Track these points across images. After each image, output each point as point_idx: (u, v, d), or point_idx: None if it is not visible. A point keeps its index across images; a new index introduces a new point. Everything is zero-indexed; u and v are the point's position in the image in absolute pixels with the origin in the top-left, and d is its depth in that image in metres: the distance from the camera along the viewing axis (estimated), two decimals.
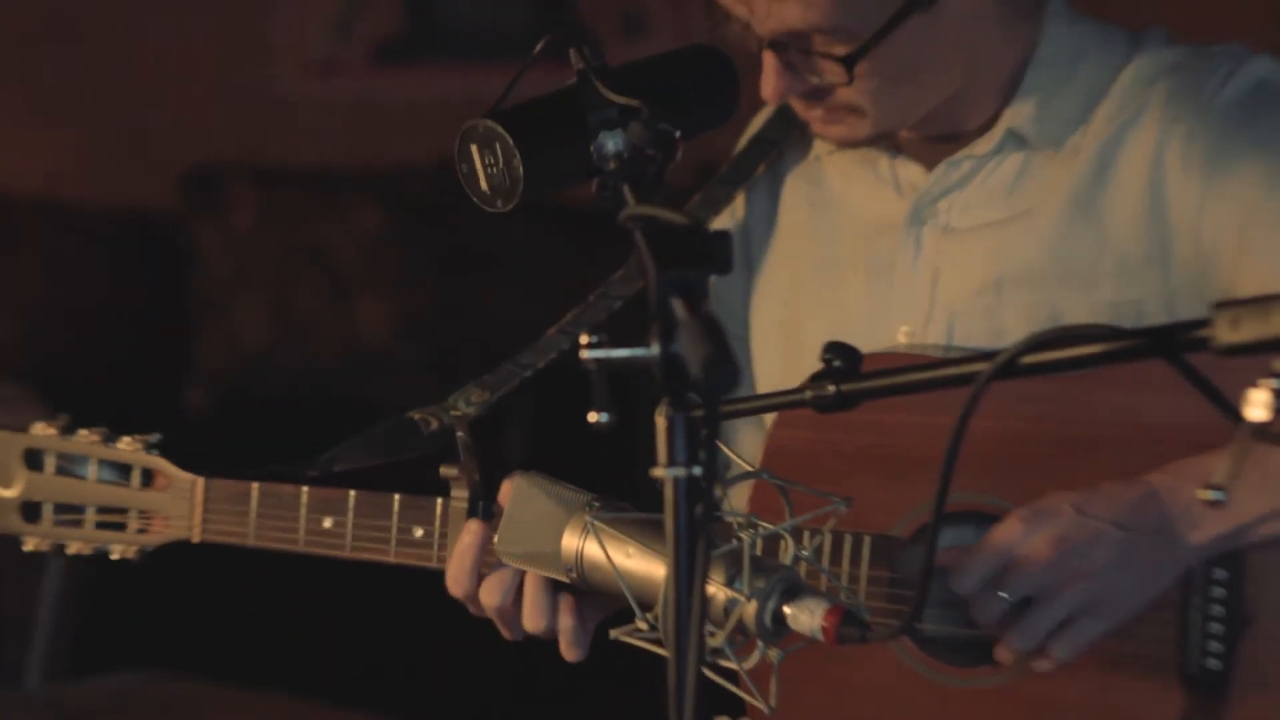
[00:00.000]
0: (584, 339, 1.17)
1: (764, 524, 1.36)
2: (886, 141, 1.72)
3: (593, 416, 1.18)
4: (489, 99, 1.58)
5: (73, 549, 1.79)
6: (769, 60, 1.60)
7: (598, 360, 1.16)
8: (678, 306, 1.10)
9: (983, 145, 1.67)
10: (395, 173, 4.48)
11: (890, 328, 1.69)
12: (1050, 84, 1.66)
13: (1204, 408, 1.17)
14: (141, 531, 1.77)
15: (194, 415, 4.40)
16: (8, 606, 2.92)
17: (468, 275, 4.38)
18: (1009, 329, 1.62)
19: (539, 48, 1.38)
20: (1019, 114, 1.65)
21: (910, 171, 1.71)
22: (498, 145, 1.35)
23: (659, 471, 1.11)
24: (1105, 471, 1.55)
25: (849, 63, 1.54)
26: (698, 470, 1.10)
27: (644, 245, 1.15)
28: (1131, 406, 1.55)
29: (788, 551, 1.37)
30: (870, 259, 1.73)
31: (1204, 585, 1.55)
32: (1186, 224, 1.61)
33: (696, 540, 1.10)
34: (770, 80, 1.61)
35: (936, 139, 1.69)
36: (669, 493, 1.10)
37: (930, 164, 1.69)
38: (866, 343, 1.38)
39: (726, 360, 1.08)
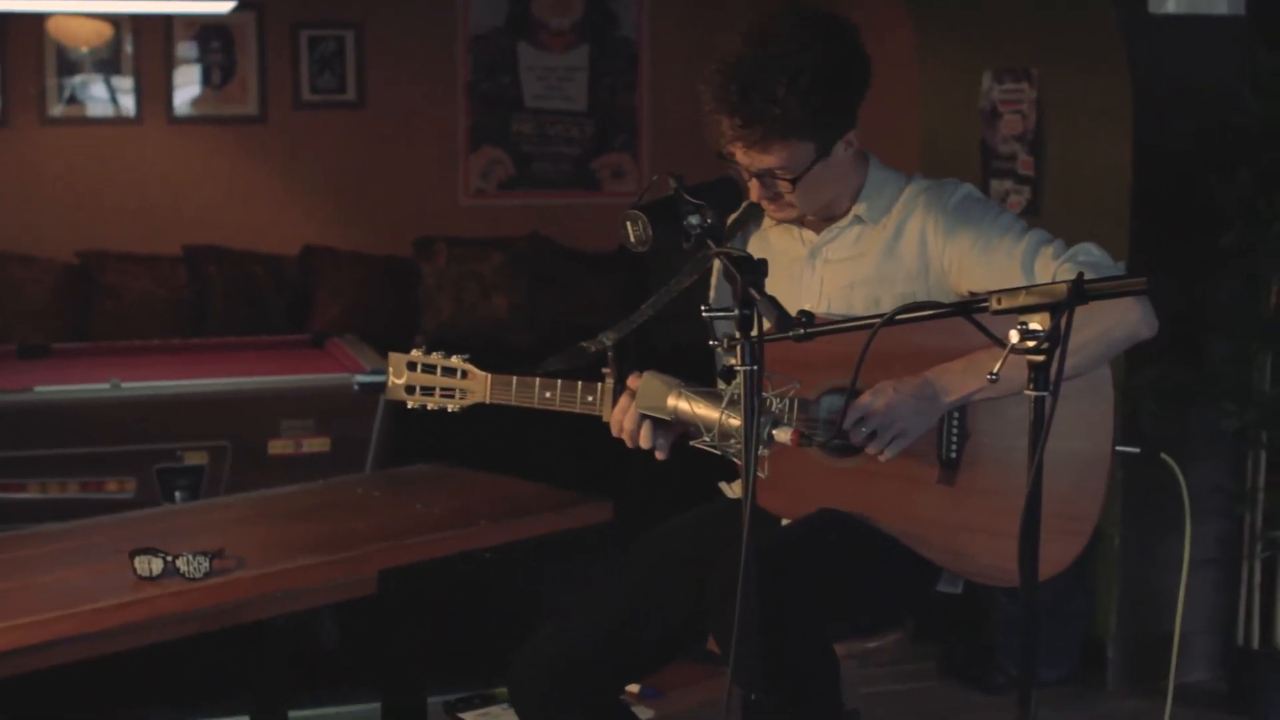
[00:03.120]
0: (704, 308, 2.31)
1: (764, 393, 2.35)
2: (799, 221, 2.77)
3: (712, 343, 2.45)
4: (552, 214, 5.68)
5: (431, 407, 2.85)
6: (753, 181, 2.65)
7: (711, 315, 2.31)
8: (754, 292, 2.08)
9: (843, 222, 2.76)
10: (507, 240, 7.84)
11: (800, 305, 2.67)
12: (873, 195, 2.75)
13: (938, 342, 2.47)
14: (462, 398, 2.82)
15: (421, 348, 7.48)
16: (359, 434, 4.91)
17: (543, 289, 7.80)
18: (855, 306, 2.72)
19: (655, 178, 2.39)
20: (859, 208, 2.75)
21: (808, 234, 2.80)
22: (641, 221, 2.35)
23: (738, 366, 2.14)
24: (902, 370, 2.58)
25: (793, 183, 2.62)
26: (754, 367, 2.10)
27: (729, 265, 2.15)
28: (919, 340, 2.54)
29: (773, 404, 2.47)
30: (791, 273, 2.80)
31: (949, 421, 2.63)
32: (935, 259, 2.70)
33: (754, 398, 2.07)
34: (754, 189, 2.67)
35: (823, 220, 2.78)
36: (744, 376, 2.12)
37: (818, 230, 2.78)
38: (790, 311, 2.27)
39: (788, 317, 2.09)
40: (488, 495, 3.71)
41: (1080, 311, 2.47)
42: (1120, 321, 2.55)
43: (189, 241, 7.62)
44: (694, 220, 2.34)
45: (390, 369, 2.90)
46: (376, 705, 3.80)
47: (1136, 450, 2.65)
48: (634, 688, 3.47)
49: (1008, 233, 2.67)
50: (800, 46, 2.59)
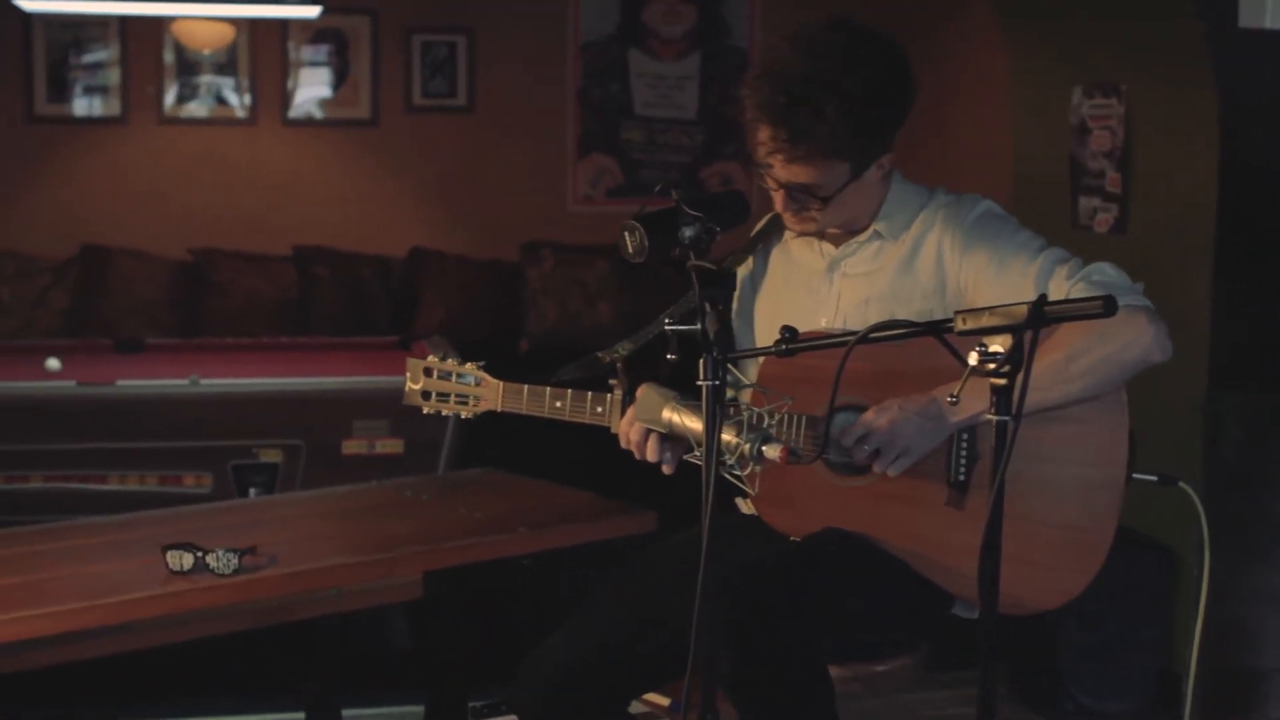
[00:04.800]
0: (666, 321, 2.27)
1: (753, 408, 2.38)
2: (820, 234, 2.75)
3: (670, 356, 2.28)
4: None
5: (445, 412, 2.90)
6: (781, 194, 2.65)
7: (673, 329, 2.26)
8: (708, 308, 2.09)
9: (863, 236, 2.74)
10: (613, 247, 7.38)
11: (818, 319, 2.75)
12: (893, 210, 2.72)
13: (955, 361, 2.06)
14: (475, 404, 2.88)
15: (522, 354, 7.59)
16: (432, 437, 4.91)
17: (647, 297, 6.96)
18: (870, 322, 2.44)
19: (658, 189, 2.36)
20: (880, 224, 2.73)
21: (828, 247, 2.78)
22: (638, 232, 2.33)
23: (701, 383, 2.09)
24: (912, 388, 2.54)
25: (825, 201, 2.62)
26: (716, 383, 2.08)
27: (695, 278, 2.16)
28: (923, 358, 2.45)
29: (764, 421, 2.38)
30: (810, 286, 2.80)
31: (959, 442, 2.57)
32: (953, 276, 2.67)
33: (716, 415, 2.06)
34: (779, 199, 2.66)
35: (841, 235, 2.77)
36: (705, 393, 2.09)
37: (838, 244, 2.77)
38: (806, 325, 2.50)
39: (727, 334, 2.08)
40: (534, 502, 3.72)
41: (1091, 332, 2.45)
42: (1132, 343, 2.48)
43: (299, 242, 7.76)
44: (688, 232, 2.33)
45: (408, 375, 2.93)
46: (421, 708, 3.82)
47: (1155, 478, 2.58)
48: (663, 700, 3.44)
49: (1024, 250, 2.61)
50: (853, 65, 2.55)
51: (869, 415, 2.53)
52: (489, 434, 3.68)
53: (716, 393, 2.07)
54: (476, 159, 8.09)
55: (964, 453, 2.57)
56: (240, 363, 5.44)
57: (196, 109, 7.81)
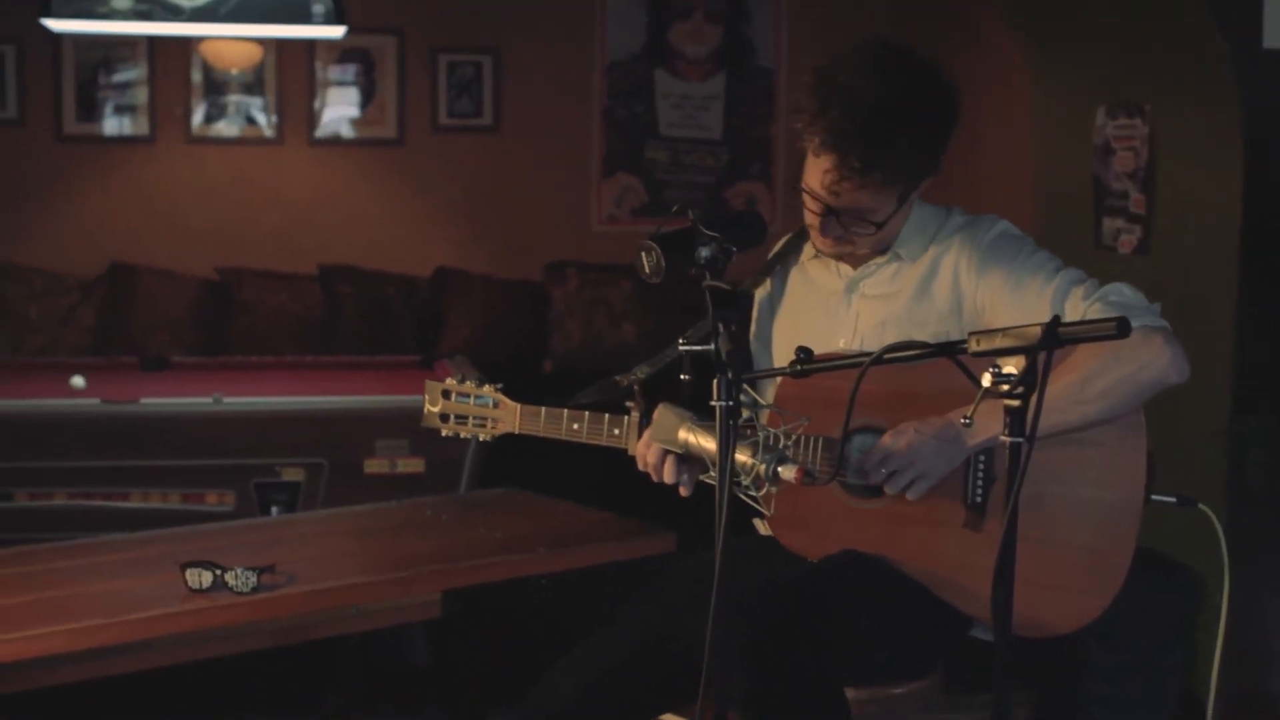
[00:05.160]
0: (681, 342, 2.29)
1: (769, 429, 2.34)
2: (849, 256, 2.75)
3: (684, 376, 2.37)
4: None
5: (464, 434, 2.94)
6: (821, 219, 2.64)
7: (688, 350, 2.30)
8: (721, 328, 2.09)
9: (881, 259, 2.74)
10: (633, 265, 7.80)
11: (836, 340, 2.76)
12: (913, 232, 2.73)
13: (969, 381, 2.05)
14: (493, 426, 2.91)
15: (547, 374, 7.56)
16: (453, 456, 4.76)
17: (672, 317, 6.51)
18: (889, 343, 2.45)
19: (675, 209, 2.38)
20: (898, 245, 2.73)
21: (845, 269, 2.79)
22: (655, 252, 2.33)
23: (715, 403, 2.08)
24: (929, 410, 2.54)
25: (879, 226, 2.63)
26: (730, 403, 2.08)
27: (709, 298, 2.17)
28: (940, 380, 2.44)
29: (780, 442, 2.34)
30: (827, 307, 2.81)
31: (975, 463, 2.57)
32: (969, 297, 2.67)
33: (729, 435, 2.06)
34: (821, 226, 2.65)
35: (861, 256, 2.76)
36: (719, 413, 2.09)
37: (856, 266, 2.77)
38: (824, 347, 2.51)
39: (742, 355, 2.06)
40: (553, 522, 3.72)
41: (1107, 353, 2.44)
42: (1149, 364, 2.47)
43: (325, 260, 7.78)
44: (705, 252, 2.32)
45: (426, 397, 2.95)
46: None
47: (1173, 499, 2.57)
48: None
49: (1040, 271, 2.61)
50: (918, 95, 2.57)
51: (886, 439, 2.53)
52: (510, 454, 3.69)
53: (730, 413, 2.05)
54: (502, 178, 8.11)
55: (981, 475, 2.56)
56: (263, 381, 5.46)
57: (224, 128, 7.84)
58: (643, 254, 2.35)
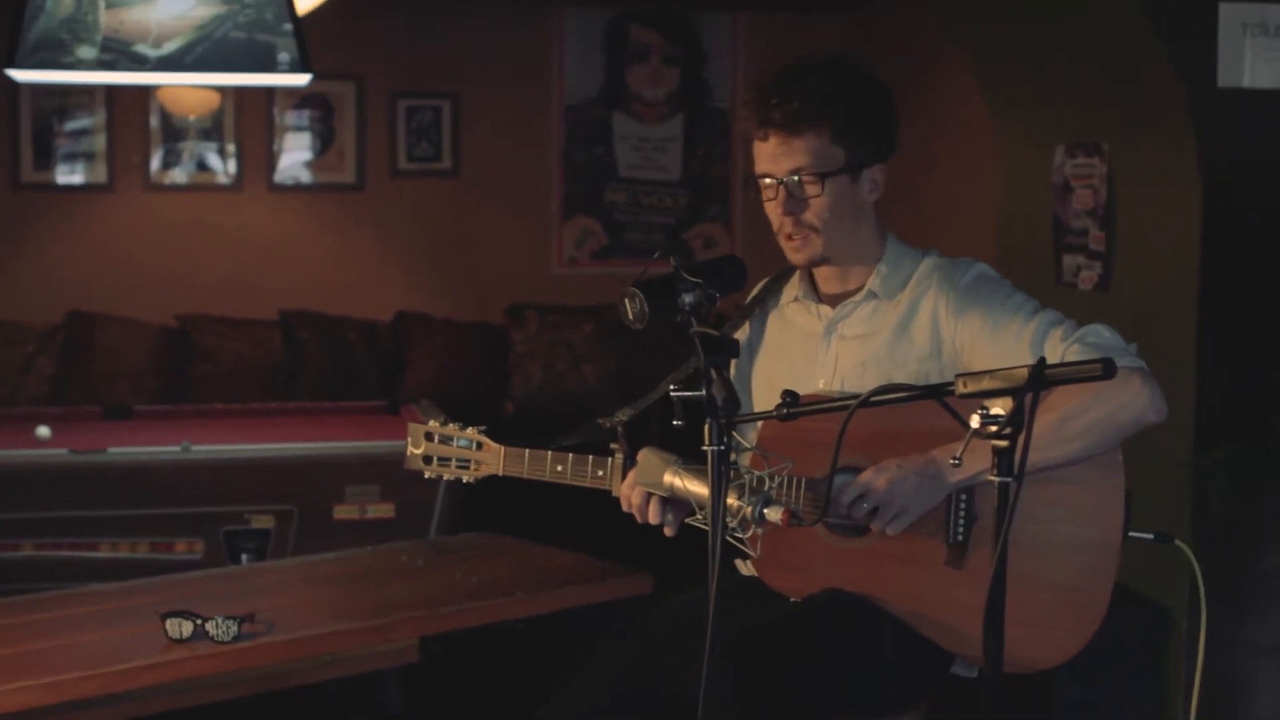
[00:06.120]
0: (672, 387, 2.23)
1: (754, 471, 2.43)
2: (815, 296, 2.83)
3: (676, 421, 2.21)
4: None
5: (447, 477, 2.93)
6: (779, 201, 2.73)
7: (679, 396, 2.21)
8: (713, 373, 2.10)
9: (858, 297, 2.79)
10: (599, 309, 7.83)
11: (815, 382, 2.79)
12: (887, 270, 2.78)
13: (955, 423, 2.11)
14: (476, 469, 2.90)
15: (508, 417, 7.65)
16: (423, 500, 4.84)
17: (633, 359, 7.73)
18: (868, 385, 2.58)
19: (656, 255, 2.39)
20: (874, 283, 2.78)
21: (825, 310, 2.84)
22: (638, 299, 2.33)
23: (707, 448, 2.09)
24: (909, 449, 2.58)
25: (822, 180, 2.69)
26: (722, 448, 2.09)
27: (699, 344, 2.17)
28: (921, 419, 2.49)
29: (765, 484, 2.45)
30: (807, 349, 2.85)
31: (957, 501, 2.60)
32: (948, 339, 2.72)
33: (722, 479, 2.08)
34: (775, 214, 2.75)
35: (837, 296, 2.82)
36: (711, 457, 2.09)
37: (834, 307, 2.82)
38: (804, 388, 2.51)
39: (734, 399, 2.10)
40: (528, 565, 3.74)
41: (1087, 393, 2.48)
42: (1127, 404, 2.51)
43: (285, 306, 7.78)
44: (688, 299, 2.35)
45: (409, 439, 2.96)
46: None
47: (1151, 536, 2.61)
48: None
49: (1018, 313, 2.65)
50: (839, 69, 2.76)
51: (867, 475, 2.56)
52: (480, 497, 3.69)
53: (721, 457, 2.08)
54: (462, 222, 8.15)
55: (962, 513, 2.59)
56: (229, 429, 5.46)
57: (182, 175, 7.84)
58: (625, 300, 2.37)
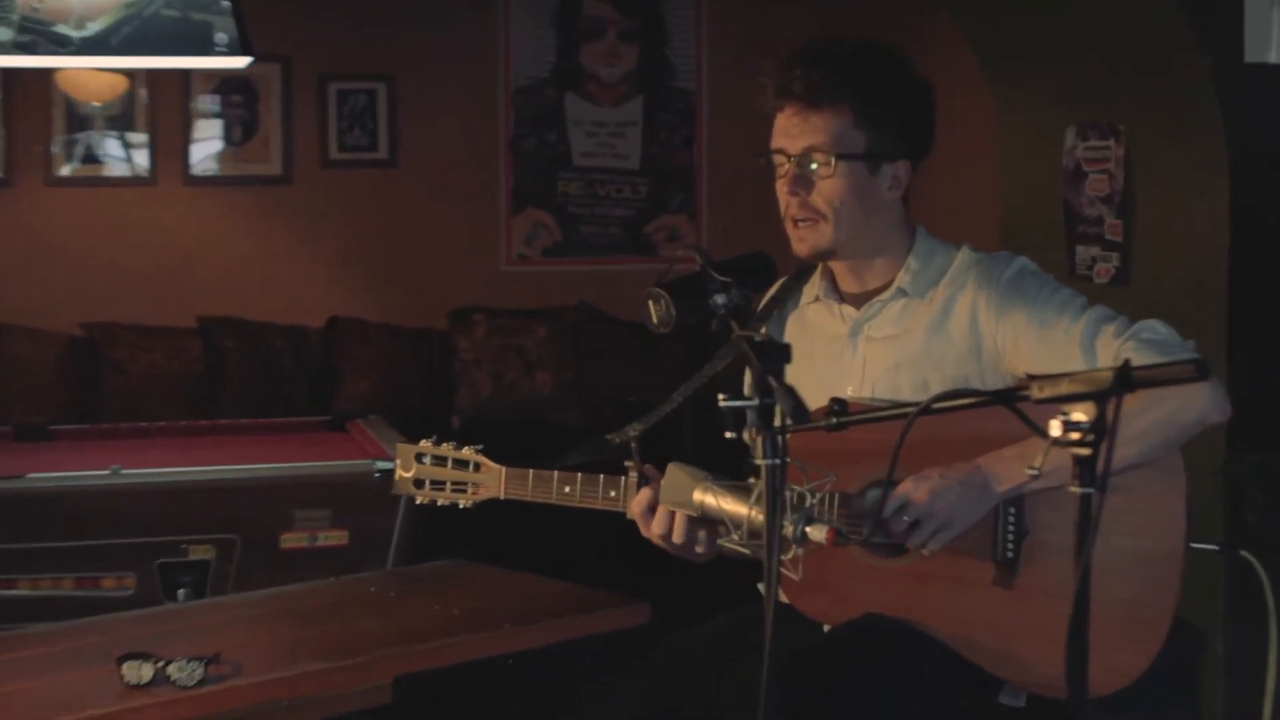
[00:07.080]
0: (722, 397, 2.13)
1: (794, 487, 2.43)
2: (836, 295, 2.87)
3: (728, 434, 2.15)
4: (601, 282, 6.17)
5: (441, 502, 2.95)
6: (785, 189, 2.77)
7: (730, 406, 2.13)
8: (773, 380, 2.05)
9: (885, 295, 2.82)
10: (552, 311, 7.93)
11: (842, 387, 2.81)
12: (917, 265, 2.80)
13: (999, 427, 2.33)
14: (474, 492, 2.92)
15: (454, 431, 7.28)
16: (380, 527, 4.78)
17: (591, 364, 7.81)
18: (901, 389, 2.76)
19: (679, 253, 3.06)
20: (903, 278, 2.81)
21: (848, 311, 2.87)
22: (664, 300, 2.37)
23: (761, 461, 2.03)
24: (954, 457, 2.62)
25: (835, 159, 2.72)
26: (778, 461, 2.02)
27: (750, 351, 2.11)
28: (964, 426, 2.48)
29: (806, 500, 2.48)
30: (831, 353, 2.88)
31: (1004, 514, 2.63)
32: (988, 338, 2.75)
33: (777, 496, 2.01)
34: (784, 195, 2.78)
35: (861, 296, 2.85)
36: (765, 472, 2.03)
37: (858, 307, 2.85)
38: (830, 395, 2.45)
39: (803, 409, 2.04)
40: (511, 595, 3.73)
41: (1146, 392, 2.51)
42: (1188, 404, 2.56)
43: (204, 312, 7.73)
44: (720, 299, 2.38)
45: (398, 461, 2.96)
46: None
47: (1215, 547, 2.66)
48: None
49: (1066, 309, 2.69)
50: (871, 51, 2.81)
51: (906, 485, 2.59)
52: (439, 522, 3.68)
53: (776, 472, 2.08)
54: (400, 217, 8.12)
55: (1011, 527, 2.62)
56: (159, 449, 5.42)
57: (89, 169, 7.78)
58: (650, 303, 2.40)
